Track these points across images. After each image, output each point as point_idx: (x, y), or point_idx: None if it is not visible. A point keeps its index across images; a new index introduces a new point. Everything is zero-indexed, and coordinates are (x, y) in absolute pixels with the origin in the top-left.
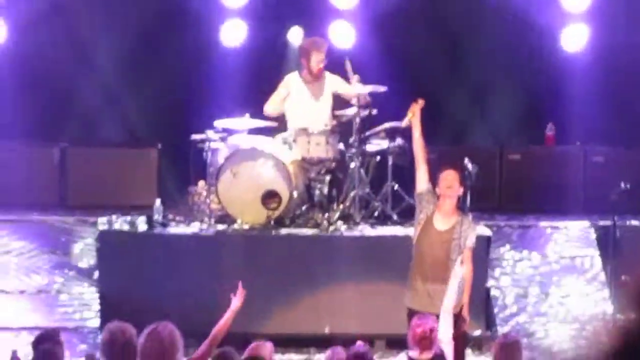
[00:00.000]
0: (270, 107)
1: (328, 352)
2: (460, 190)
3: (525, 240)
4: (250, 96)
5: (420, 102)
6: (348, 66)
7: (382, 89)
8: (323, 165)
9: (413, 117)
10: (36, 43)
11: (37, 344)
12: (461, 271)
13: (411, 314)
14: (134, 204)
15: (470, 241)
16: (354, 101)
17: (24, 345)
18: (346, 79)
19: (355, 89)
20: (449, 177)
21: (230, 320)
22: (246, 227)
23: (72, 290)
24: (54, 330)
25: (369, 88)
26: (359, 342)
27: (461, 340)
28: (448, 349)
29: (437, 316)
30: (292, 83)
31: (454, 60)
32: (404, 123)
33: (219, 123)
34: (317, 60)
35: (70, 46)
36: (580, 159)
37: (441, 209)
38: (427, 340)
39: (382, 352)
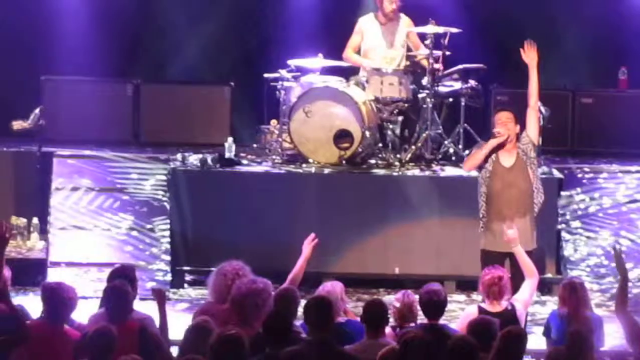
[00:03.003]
0: (348, 54)
1: (399, 294)
2: (517, 128)
3: (596, 183)
4: (324, 36)
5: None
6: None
7: (455, 30)
8: (396, 105)
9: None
10: None
11: (109, 279)
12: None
13: (485, 256)
14: (206, 142)
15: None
16: (427, 41)
17: (94, 281)
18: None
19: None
20: (503, 117)
21: (303, 268)
22: (318, 166)
23: (142, 228)
24: (129, 267)
25: (442, 29)
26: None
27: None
28: (520, 306)
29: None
30: (365, 25)
31: (527, 2)
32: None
33: (293, 62)
34: (390, 1)
35: None
36: None
37: (504, 150)
38: (496, 287)
39: (452, 294)
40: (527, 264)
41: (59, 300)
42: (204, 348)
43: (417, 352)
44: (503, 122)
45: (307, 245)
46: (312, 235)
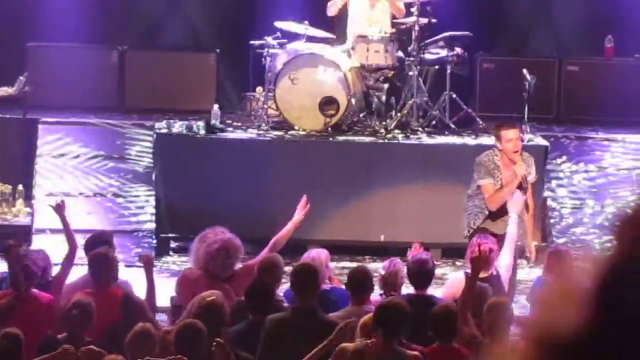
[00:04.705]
0: (333, 9)
1: (386, 262)
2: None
3: (582, 151)
4: (309, 3)
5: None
6: None
7: None
8: (381, 73)
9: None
10: None
11: (93, 247)
12: (521, 200)
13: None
14: (192, 109)
15: (532, 177)
16: (412, 8)
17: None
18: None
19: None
20: (513, 135)
21: (290, 232)
22: (303, 133)
23: (128, 194)
24: (107, 232)
25: None
26: (416, 248)
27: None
28: (504, 272)
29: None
30: None
31: None
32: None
33: (279, 24)
34: None
35: None
36: (638, 72)
37: (507, 165)
38: (487, 259)
39: (437, 261)
40: (512, 234)
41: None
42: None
43: (392, 317)
44: (514, 141)
45: (300, 210)
46: (305, 198)
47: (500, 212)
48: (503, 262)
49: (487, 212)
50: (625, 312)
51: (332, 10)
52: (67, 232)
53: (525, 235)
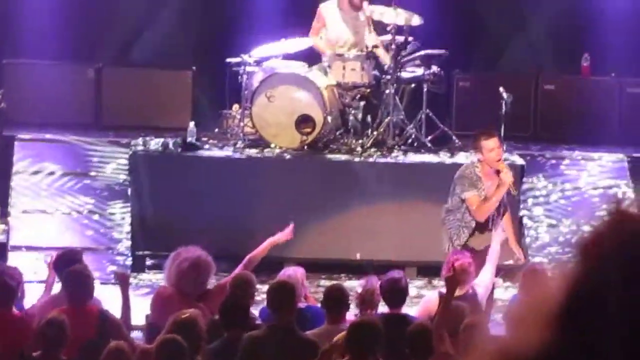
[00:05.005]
0: (316, 41)
1: (362, 280)
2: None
3: (558, 170)
4: (286, 20)
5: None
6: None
7: (417, 19)
8: (358, 91)
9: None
10: None
11: (63, 265)
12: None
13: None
14: (168, 126)
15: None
16: (389, 28)
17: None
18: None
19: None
20: (494, 144)
21: (266, 251)
22: (280, 151)
23: (103, 211)
24: (76, 250)
25: (404, 15)
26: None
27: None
28: (482, 291)
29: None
30: (327, 12)
31: None
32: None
33: (256, 52)
34: None
35: None
36: (615, 91)
37: (488, 175)
38: (465, 275)
39: (413, 280)
40: (496, 252)
41: None
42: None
43: (365, 335)
44: (496, 149)
45: (282, 234)
46: (292, 226)
47: (480, 228)
48: (482, 280)
49: (472, 225)
50: (586, 336)
51: (313, 42)
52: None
53: (507, 240)
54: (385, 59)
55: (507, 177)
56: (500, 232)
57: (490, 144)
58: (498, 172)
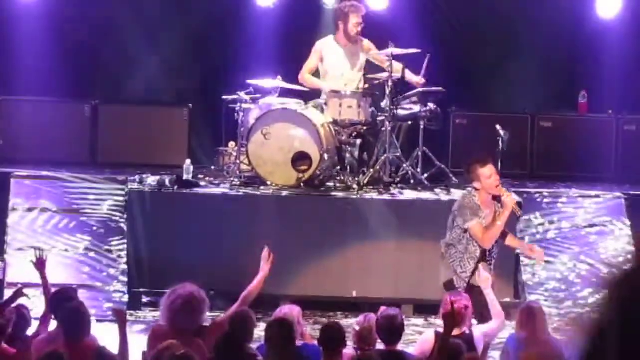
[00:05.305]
0: (305, 76)
1: (360, 317)
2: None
3: (555, 208)
4: (282, 59)
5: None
6: (425, 63)
7: (414, 50)
8: (354, 128)
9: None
10: (67, 2)
11: (58, 302)
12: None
13: (450, 286)
14: (164, 164)
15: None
16: (385, 66)
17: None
18: (417, 73)
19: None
20: (492, 171)
21: (260, 284)
22: (276, 188)
23: (99, 249)
24: (71, 289)
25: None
26: (383, 308)
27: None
28: (479, 334)
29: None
30: (324, 48)
31: (487, 26)
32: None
33: (252, 82)
34: (355, 24)
35: (102, 5)
36: (612, 128)
37: (486, 203)
38: (460, 317)
39: (409, 318)
40: (495, 306)
41: None
42: None
43: None
44: (494, 175)
45: (264, 262)
46: (267, 250)
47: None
48: (483, 327)
49: (477, 256)
50: None
51: (303, 79)
52: (45, 288)
53: (519, 246)
54: (412, 77)
55: (510, 199)
56: (484, 278)
57: (487, 171)
58: (495, 198)
